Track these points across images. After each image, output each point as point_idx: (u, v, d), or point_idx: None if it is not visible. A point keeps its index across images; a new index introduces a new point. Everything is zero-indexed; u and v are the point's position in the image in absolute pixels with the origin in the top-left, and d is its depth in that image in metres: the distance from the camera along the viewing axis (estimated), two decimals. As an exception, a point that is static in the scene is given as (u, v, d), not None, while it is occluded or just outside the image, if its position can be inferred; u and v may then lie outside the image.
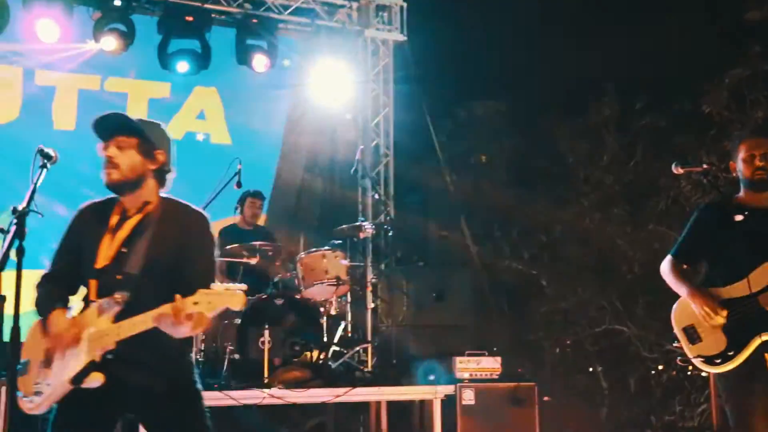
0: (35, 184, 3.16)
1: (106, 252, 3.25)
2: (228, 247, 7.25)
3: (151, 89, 9.30)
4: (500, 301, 8.89)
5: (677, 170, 4.59)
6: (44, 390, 3.23)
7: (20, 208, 2.97)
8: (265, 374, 6.21)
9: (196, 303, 3.02)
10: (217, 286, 3.05)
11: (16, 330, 2.87)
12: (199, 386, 3.43)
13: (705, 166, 4.57)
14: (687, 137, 8.29)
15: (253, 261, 6.92)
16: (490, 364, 6.73)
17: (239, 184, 6.67)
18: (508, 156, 12.10)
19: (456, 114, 12.82)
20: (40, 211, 3.21)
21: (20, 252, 2.91)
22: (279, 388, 6.06)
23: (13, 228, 2.95)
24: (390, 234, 8.84)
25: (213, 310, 3.03)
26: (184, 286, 3.20)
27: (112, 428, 3.33)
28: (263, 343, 6.25)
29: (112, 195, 3.45)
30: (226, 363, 6.27)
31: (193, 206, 3.53)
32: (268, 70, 9.22)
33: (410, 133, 9.47)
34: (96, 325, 3.14)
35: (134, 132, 3.36)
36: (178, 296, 3.04)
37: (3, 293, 3.15)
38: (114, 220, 3.30)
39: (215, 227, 7.63)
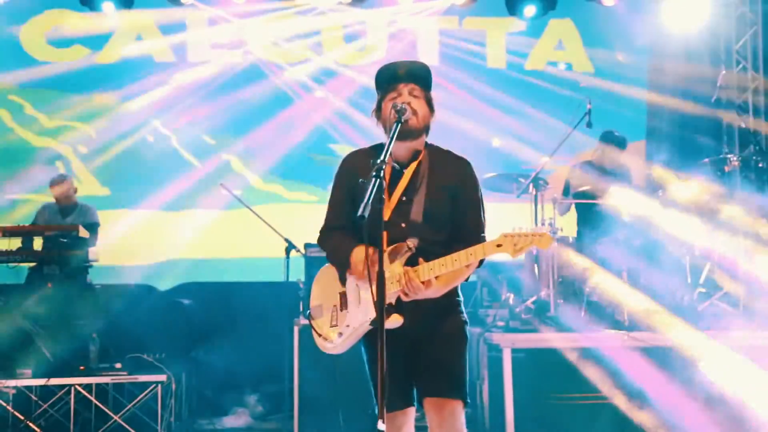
0: (392, 139, 3.31)
1: (387, 202, 3.33)
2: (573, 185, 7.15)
3: (508, 24, 9.47)
4: None
5: None
6: (345, 332, 3.46)
7: (378, 161, 3.14)
8: (624, 316, 6.12)
9: (499, 246, 3.18)
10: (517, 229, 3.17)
11: (381, 275, 3.08)
12: (466, 319, 3.54)
13: None
14: None
15: (601, 201, 6.77)
16: None
17: (589, 124, 6.54)
18: None
19: None
20: (397, 163, 3.46)
21: (380, 202, 3.11)
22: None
23: (374, 181, 3.11)
24: (762, 166, 8.10)
25: (519, 251, 3.15)
26: (461, 231, 3.42)
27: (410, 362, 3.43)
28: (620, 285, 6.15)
29: (376, 143, 3.58)
30: (584, 304, 6.27)
31: (456, 153, 3.60)
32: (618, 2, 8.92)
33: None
34: (390, 271, 3.28)
35: (428, 85, 3.51)
36: (483, 243, 3.22)
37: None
38: (387, 169, 3.28)
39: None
